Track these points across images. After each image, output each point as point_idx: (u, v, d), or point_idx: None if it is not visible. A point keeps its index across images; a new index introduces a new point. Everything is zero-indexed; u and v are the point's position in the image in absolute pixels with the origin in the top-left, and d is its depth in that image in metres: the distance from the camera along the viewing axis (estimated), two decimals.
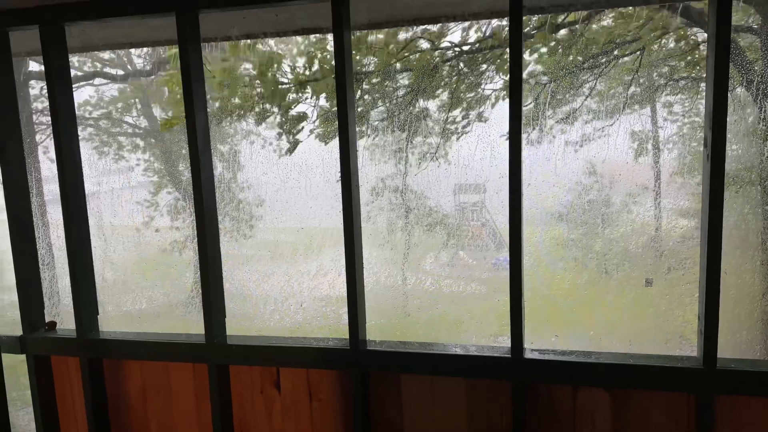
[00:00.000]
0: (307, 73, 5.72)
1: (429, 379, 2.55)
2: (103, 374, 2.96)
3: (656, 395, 2.29)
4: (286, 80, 5.77)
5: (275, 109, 5.94)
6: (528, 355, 2.39)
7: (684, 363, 2.24)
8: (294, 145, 5.97)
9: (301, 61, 5.80)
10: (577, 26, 4.98)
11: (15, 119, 2.81)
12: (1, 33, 2.71)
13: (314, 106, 5.88)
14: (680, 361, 2.25)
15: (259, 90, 5.87)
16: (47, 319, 3.00)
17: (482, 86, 5.63)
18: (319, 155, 5.51)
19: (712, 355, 2.16)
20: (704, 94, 2.20)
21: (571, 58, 5.12)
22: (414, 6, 2.49)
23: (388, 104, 5.54)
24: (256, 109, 6.02)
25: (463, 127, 5.67)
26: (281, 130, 6.00)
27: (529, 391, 2.43)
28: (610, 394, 2.34)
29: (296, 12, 2.58)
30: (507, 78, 5.53)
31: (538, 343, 2.59)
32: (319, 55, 5.63)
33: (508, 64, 2.23)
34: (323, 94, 5.66)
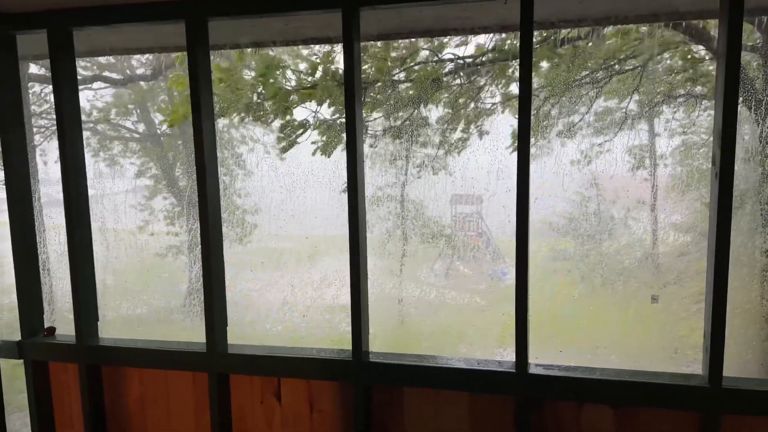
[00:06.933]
0: (310, 79, 5.73)
1: (432, 393, 2.54)
2: (102, 381, 2.92)
3: (661, 413, 2.29)
4: (289, 86, 5.78)
5: (275, 113, 5.94)
6: (533, 370, 2.38)
7: (689, 381, 2.23)
8: (290, 145, 5.96)
9: (303, 67, 5.81)
10: (579, 42, 5.01)
11: (20, 123, 2.79)
12: (9, 37, 2.69)
13: (315, 112, 5.88)
14: (686, 379, 2.25)
15: (260, 92, 5.86)
16: (46, 324, 2.97)
17: (482, 99, 5.65)
18: (322, 164, 5.52)
19: (717, 373, 2.16)
20: (700, 110, 2.21)
21: (570, 72, 5.15)
22: (425, 19, 2.49)
23: (389, 115, 5.55)
24: (258, 113, 6.01)
25: (463, 141, 5.68)
26: (282, 135, 5.99)
27: (534, 407, 2.42)
28: (615, 411, 2.34)
29: (305, 22, 2.58)
30: (505, 91, 5.57)
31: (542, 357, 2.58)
32: (322, 66, 5.65)
33: (518, 78, 2.24)
34: (326, 102, 5.66)
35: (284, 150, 5.96)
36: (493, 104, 5.54)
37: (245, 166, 7.36)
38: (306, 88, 5.65)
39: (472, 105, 5.57)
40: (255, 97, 5.86)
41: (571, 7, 2.39)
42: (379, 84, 5.42)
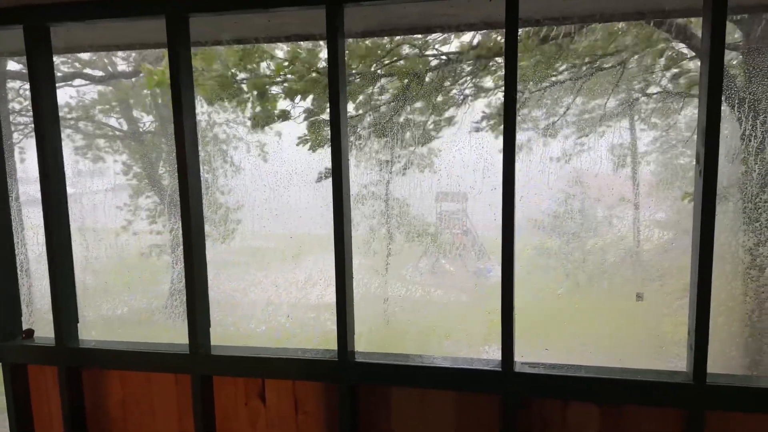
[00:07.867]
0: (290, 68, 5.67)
1: (419, 392, 2.52)
2: (82, 384, 2.87)
3: (646, 410, 2.29)
4: (268, 74, 5.71)
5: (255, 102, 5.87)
6: (518, 368, 2.37)
7: (674, 378, 2.24)
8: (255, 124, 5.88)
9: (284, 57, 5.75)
10: (561, 39, 5.01)
11: None
12: None
13: (294, 104, 5.81)
14: (670, 376, 2.25)
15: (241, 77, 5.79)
16: (24, 326, 2.91)
17: (462, 93, 5.63)
18: (307, 163, 5.46)
19: (701, 370, 2.17)
20: (681, 107, 2.21)
21: (551, 69, 5.15)
22: (409, 15, 2.47)
23: (372, 112, 5.52)
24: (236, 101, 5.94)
25: (433, 130, 5.66)
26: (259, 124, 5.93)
27: (519, 405, 2.41)
28: (600, 409, 2.34)
29: (289, 18, 2.54)
30: (488, 85, 5.54)
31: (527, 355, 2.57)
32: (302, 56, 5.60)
33: (504, 75, 2.22)
34: (310, 96, 5.60)
35: (253, 125, 5.87)
36: (465, 96, 5.52)
37: (233, 163, 7.28)
38: (286, 80, 5.58)
39: (452, 100, 5.54)
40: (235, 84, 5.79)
41: (556, 5, 2.38)
42: (357, 79, 5.38)
